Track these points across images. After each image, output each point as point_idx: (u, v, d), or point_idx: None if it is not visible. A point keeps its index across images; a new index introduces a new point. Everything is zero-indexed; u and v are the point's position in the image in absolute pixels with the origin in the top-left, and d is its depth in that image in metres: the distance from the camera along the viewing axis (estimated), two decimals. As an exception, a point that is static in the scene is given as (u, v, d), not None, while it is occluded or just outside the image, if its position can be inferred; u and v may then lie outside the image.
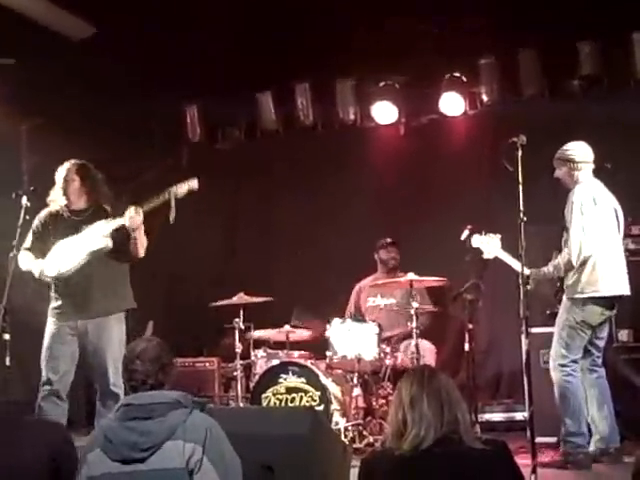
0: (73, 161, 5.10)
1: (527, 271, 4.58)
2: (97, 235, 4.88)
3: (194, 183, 4.96)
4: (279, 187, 7.61)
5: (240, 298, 6.12)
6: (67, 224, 5.00)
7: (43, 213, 5.11)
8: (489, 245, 5.14)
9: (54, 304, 5.01)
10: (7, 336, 4.53)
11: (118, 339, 4.98)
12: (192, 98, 7.56)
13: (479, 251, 5.28)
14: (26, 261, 4.98)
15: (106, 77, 6.75)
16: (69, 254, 4.92)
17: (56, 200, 5.01)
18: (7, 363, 4.52)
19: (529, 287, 4.51)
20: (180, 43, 6.52)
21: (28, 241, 5.04)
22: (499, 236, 5.13)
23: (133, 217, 4.81)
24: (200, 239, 7.47)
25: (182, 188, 4.92)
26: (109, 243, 4.90)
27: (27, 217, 4.87)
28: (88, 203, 5.05)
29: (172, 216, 4.88)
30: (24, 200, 4.87)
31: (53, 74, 6.43)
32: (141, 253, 5.01)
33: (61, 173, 5.04)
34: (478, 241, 5.20)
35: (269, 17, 6.36)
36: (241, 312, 6.05)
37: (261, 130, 7.61)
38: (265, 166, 7.66)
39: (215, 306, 6.14)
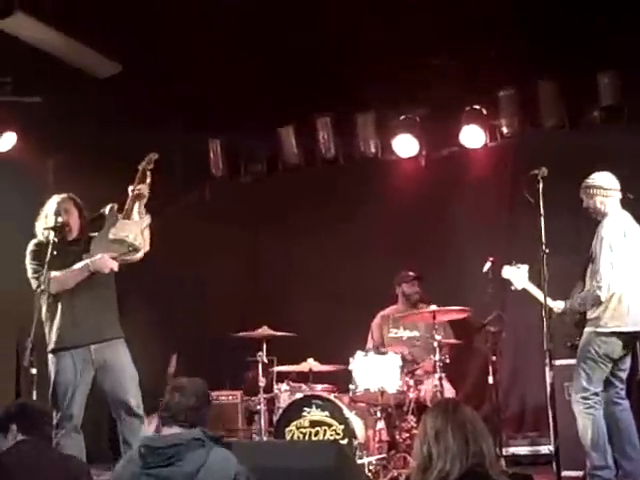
0: (68, 194, 5.22)
1: (560, 304, 4.53)
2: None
3: (153, 155, 5.14)
4: (301, 220, 7.64)
5: (263, 331, 6.14)
6: (66, 253, 5.02)
7: (36, 243, 5.12)
8: (518, 276, 5.12)
9: (63, 333, 4.96)
10: (34, 371, 4.57)
11: (131, 361, 5.03)
12: (215, 133, 7.66)
13: (502, 283, 5.26)
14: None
15: (130, 113, 6.85)
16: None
17: (50, 231, 5.02)
18: (34, 397, 4.54)
19: (552, 317, 4.47)
20: (203, 79, 6.60)
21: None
22: (527, 267, 5.11)
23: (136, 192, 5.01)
24: (222, 272, 7.51)
25: (147, 162, 5.12)
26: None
27: (54, 252, 4.95)
28: (81, 234, 5.15)
29: (146, 188, 5.07)
30: (51, 235, 4.98)
31: (79, 110, 6.53)
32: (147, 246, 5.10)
33: (61, 205, 5.14)
34: (508, 272, 5.19)
35: (290, 52, 6.43)
36: (264, 346, 6.08)
37: (283, 164, 7.71)
38: (287, 199, 7.71)
39: (237, 340, 6.19)
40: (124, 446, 4.88)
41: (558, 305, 4.95)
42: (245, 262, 7.82)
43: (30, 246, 5.13)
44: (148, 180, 5.11)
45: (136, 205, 5.10)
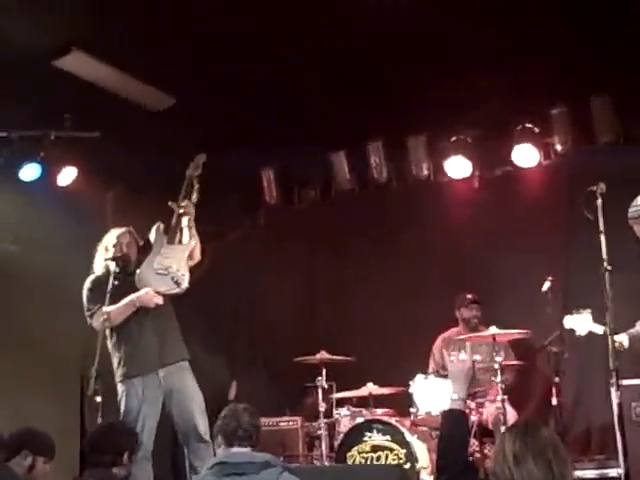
0: (127, 228, 5.39)
1: (625, 340, 4.41)
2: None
3: (201, 156, 5.27)
4: (355, 245, 7.63)
5: (322, 356, 6.18)
6: (125, 285, 5.12)
7: (93, 280, 5.24)
8: (581, 323, 5.04)
9: (130, 362, 5.07)
10: (99, 399, 4.69)
11: (197, 386, 5.11)
12: (268, 161, 7.72)
13: (562, 302, 5.19)
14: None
15: (184, 143, 6.83)
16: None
17: (111, 262, 5.15)
18: (99, 424, 4.64)
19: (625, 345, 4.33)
20: (254, 107, 6.65)
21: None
22: (589, 311, 5.01)
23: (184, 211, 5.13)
24: (279, 297, 7.56)
25: (194, 167, 5.26)
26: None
27: (116, 282, 5.03)
28: (137, 266, 5.26)
29: (195, 196, 5.18)
30: (113, 266, 5.08)
31: (135, 143, 6.63)
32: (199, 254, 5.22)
33: (120, 238, 5.30)
34: (570, 322, 5.10)
35: (341, 77, 6.45)
36: (323, 371, 6.10)
37: (336, 189, 7.74)
38: (341, 224, 7.73)
39: (296, 366, 6.26)
40: (190, 472, 4.96)
41: (622, 340, 4.83)
42: (301, 287, 7.85)
43: (87, 283, 5.27)
44: (196, 186, 5.23)
45: (184, 220, 5.20)
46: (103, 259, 5.31)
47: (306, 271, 7.88)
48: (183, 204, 5.21)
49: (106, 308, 4.95)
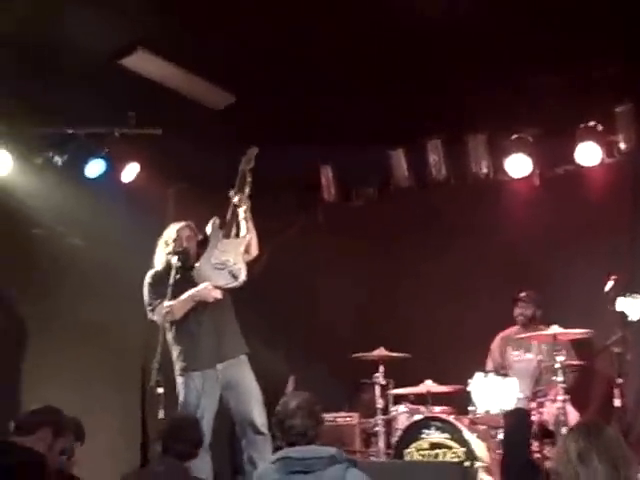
0: (187, 222, 5.44)
1: None
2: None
3: (253, 150, 5.31)
4: (413, 241, 7.59)
5: (379, 353, 6.19)
6: (185, 279, 5.18)
7: (153, 275, 5.30)
8: (633, 307, 5.02)
9: (189, 355, 5.12)
10: (161, 390, 4.74)
11: (255, 379, 5.15)
12: (327, 158, 7.75)
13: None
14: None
15: (244, 141, 6.88)
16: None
17: (172, 255, 5.20)
18: (161, 416, 4.73)
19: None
20: (313, 105, 6.66)
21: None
22: None
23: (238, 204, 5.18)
24: (336, 294, 7.59)
25: (246, 161, 5.30)
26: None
27: (177, 276, 5.11)
28: (197, 261, 5.30)
29: (247, 190, 5.21)
30: (174, 260, 5.15)
31: (196, 140, 6.72)
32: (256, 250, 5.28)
33: (181, 232, 5.36)
34: (622, 304, 5.08)
35: (399, 74, 6.45)
36: (381, 367, 6.13)
37: (394, 187, 7.70)
38: (399, 222, 7.71)
39: (354, 362, 6.27)
40: (248, 464, 5.02)
41: None
42: (358, 284, 7.83)
43: (147, 278, 5.35)
44: (249, 179, 5.27)
45: (241, 212, 5.24)
46: (164, 253, 5.38)
47: (363, 268, 7.85)
48: (237, 196, 5.26)
49: (167, 302, 5.00)
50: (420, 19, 5.64)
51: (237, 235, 5.33)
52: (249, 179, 5.33)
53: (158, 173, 7.11)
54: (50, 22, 5.51)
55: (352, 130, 6.91)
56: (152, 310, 5.20)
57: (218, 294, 5.14)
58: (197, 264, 5.24)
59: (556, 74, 6.48)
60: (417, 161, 7.51)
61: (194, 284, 5.19)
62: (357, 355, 6.26)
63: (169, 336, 5.19)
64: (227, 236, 5.28)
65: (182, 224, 5.48)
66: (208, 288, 5.13)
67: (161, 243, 5.46)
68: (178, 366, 5.19)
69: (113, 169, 6.92)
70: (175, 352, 5.22)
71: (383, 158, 7.63)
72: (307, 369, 7.23)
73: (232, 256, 5.17)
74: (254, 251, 5.39)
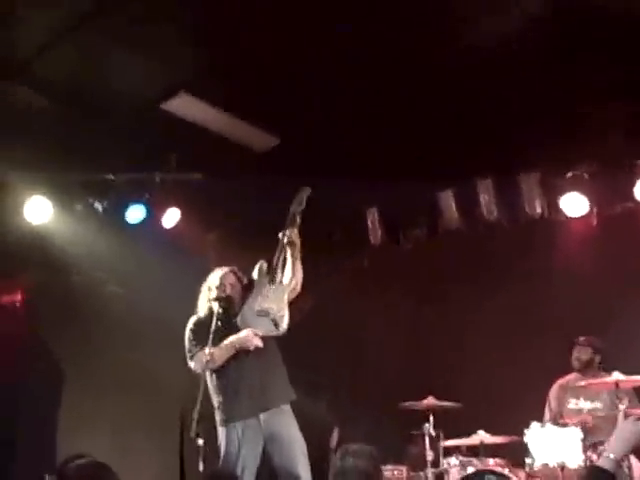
0: (231, 268, 5.39)
1: None
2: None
3: (305, 190, 5.25)
4: (464, 286, 7.49)
5: (429, 402, 6.09)
6: (229, 326, 5.14)
7: (195, 322, 5.27)
8: None
9: (230, 405, 5.06)
10: (201, 441, 4.68)
11: (299, 432, 5.06)
12: (373, 199, 7.74)
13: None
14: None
15: (288, 185, 6.79)
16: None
17: (215, 302, 5.19)
18: (200, 468, 4.67)
19: None
20: (360, 143, 6.68)
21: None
22: None
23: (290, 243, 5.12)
24: (383, 340, 7.57)
25: (297, 202, 5.23)
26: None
27: (219, 323, 5.07)
28: (240, 303, 5.26)
29: (296, 231, 5.17)
30: (217, 306, 5.13)
31: (239, 185, 6.77)
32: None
33: (224, 279, 5.31)
34: None
35: (447, 113, 6.42)
36: (431, 417, 6.04)
37: (443, 228, 7.64)
38: (449, 265, 7.66)
39: (402, 412, 6.19)
40: None
41: None
42: (407, 330, 7.77)
43: (189, 324, 5.30)
44: (298, 222, 5.22)
45: (288, 257, 5.19)
46: (207, 300, 5.35)
47: (412, 313, 7.80)
48: (287, 237, 5.21)
49: (208, 349, 4.97)
50: (469, 56, 5.66)
51: (281, 282, 5.27)
52: (298, 221, 5.29)
53: (200, 218, 7.22)
54: (94, 68, 5.69)
55: (399, 170, 6.87)
56: (192, 357, 5.16)
57: (259, 342, 5.09)
58: (241, 310, 5.21)
59: (611, 108, 6.32)
60: (467, 202, 7.45)
61: (237, 331, 5.16)
62: (405, 404, 6.22)
63: (210, 385, 5.15)
64: (272, 281, 5.22)
65: (226, 270, 5.44)
66: (250, 335, 5.09)
67: (204, 289, 5.43)
68: (219, 417, 5.12)
69: (154, 215, 7.03)
70: (216, 402, 5.15)
71: (432, 198, 7.60)
72: (352, 420, 7.18)
73: (275, 303, 5.12)
74: (297, 289, 5.31)
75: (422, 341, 7.78)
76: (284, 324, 5.05)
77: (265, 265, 5.29)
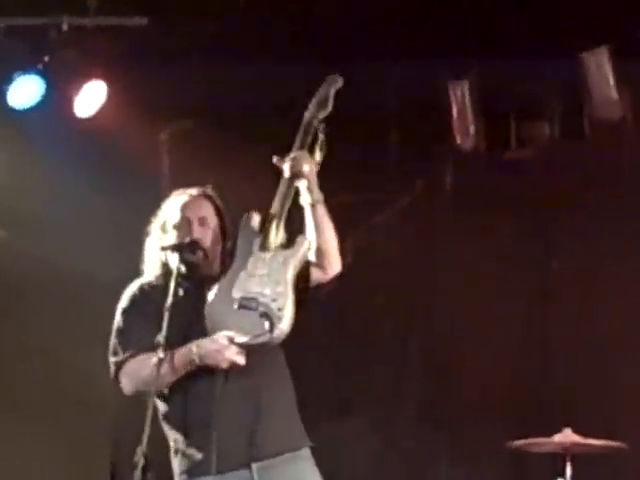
0: (202, 189, 5.25)
1: None
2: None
3: (334, 80, 5.14)
4: (617, 223, 7.67)
5: (564, 437, 6.17)
6: (195, 304, 4.99)
7: (134, 294, 5.13)
8: None
9: (199, 450, 4.96)
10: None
11: None
12: (461, 74, 7.78)
13: None
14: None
15: (311, 54, 7.32)
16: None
17: (171, 252, 5.03)
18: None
19: None
20: None
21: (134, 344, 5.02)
22: None
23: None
24: (480, 324, 7.66)
25: (319, 103, 5.12)
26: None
27: (180, 296, 4.90)
28: (222, 265, 5.10)
29: (319, 154, 5.03)
30: (174, 261, 4.92)
31: (209, 43, 7.08)
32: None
33: (191, 210, 5.16)
34: None
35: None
36: (567, 464, 6.12)
37: (590, 122, 7.70)
38: (594, 186, 7.76)
39: (517, 454, 6.56)
40: None
41: None
42: (517, 302, 7.85)
43: (124, 298, 5.15)
44: (321, 138, 5.01)
45: (302, 186, 5.01)
46: (157, 250, 5.17)
47: (529, 273, 7.89)
48: (295, 163, 4.99)
49: (160, 352, 4.77)
50: None
51: (289, 241, 5.10)
52: (322, 136, 5.04)
53: (142, 102, 7.19)
54: None
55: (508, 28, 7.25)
56: (120, 365, 4.98)
57: (239, 358, 4.87)
58: (214, 290, 5.01)
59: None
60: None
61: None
62: (519, 443, 6.31)
63: (160, 414, 5.04)
64: (266, 246, 5.06)
65: (194, 193, 5.21)
66: (219, 345, 4.87)
67: (155, 228, 5.23)
68: (177, 467, 5.03)
69: (59, 94, 7.02)
70: (173, 441, 5.03)
71: (570, 68, 7.61)
72: (452, 464, 7.42)
73: (271, 284, 4.93)
74: (332, 265, 5.13)
75: (550, 331, 7.88)
76: (285, 322, 4.81)
77: (255, 216, 5.12)
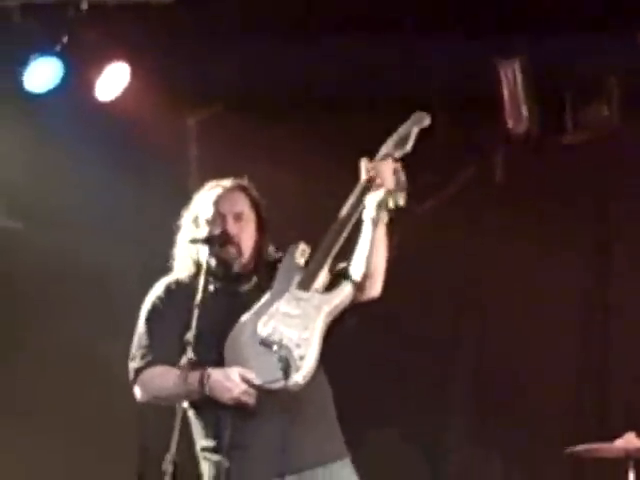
0: (237, 181, 5.08)
1: None
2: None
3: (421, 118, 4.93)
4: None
5: (627, 443, 6.05)
6: (228, 300, 4.87)
7: (158, 296, 5.00)
8: None
9: (228, 459, 4.84)
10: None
11: None
12: (513, 53, 7.60)
13: None
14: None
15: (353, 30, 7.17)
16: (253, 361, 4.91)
17: (202, 245, 4.91)
18: None
19: None
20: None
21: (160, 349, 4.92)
22: None
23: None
24: (538, 324, 7.60)
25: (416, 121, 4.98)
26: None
27: (212, 291, 4.82)
28: (256, 261, 4.95)
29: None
30: (204, 255, 4.84)
31: (245, 22, 6.96)
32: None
33: (224, 204, 5.01)
34: None
35: None
36: (630, 471, 5.96)
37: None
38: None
39: (574, 461, 6.45)
40: None
41: None
42: (577, 295, 7.83)
43: (151, 297, 5.05)
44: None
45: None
46: (187, 245, 5.04)
47: (587, 264, 7.82)
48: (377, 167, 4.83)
49: (188, 353, 4.63)
50: None
51: (331, 285, 4.89)
52: (402, 176, 4.82)
53: (170, 86, 7.17)
54: None
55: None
56: (137, 372, 4.89)
57: (247, 398, 4.77)
58: (244, 318, 4.88)
59: None
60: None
61: (240, 312, 4.90)
62: (579, 449, 6.22)
63: (192, 418, 4.96)
64: (305, 285, 4.91)
65: (227, 185, 5.04)
66: (229, 381, 4.75)
67: (186, 223, 5.09)
68: (206, 475, 4.90)
69: (79, 77, 6.98)
70: (202, 449, 4.95)
71: (629, 48, 7.42)
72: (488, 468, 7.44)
73: (298, 330, 4.81)
74: (373, 289, 4.91)
75: (609, 326, 7.81)
76: (300, 375, 4.75)
77: (307, 251, 4.96)
